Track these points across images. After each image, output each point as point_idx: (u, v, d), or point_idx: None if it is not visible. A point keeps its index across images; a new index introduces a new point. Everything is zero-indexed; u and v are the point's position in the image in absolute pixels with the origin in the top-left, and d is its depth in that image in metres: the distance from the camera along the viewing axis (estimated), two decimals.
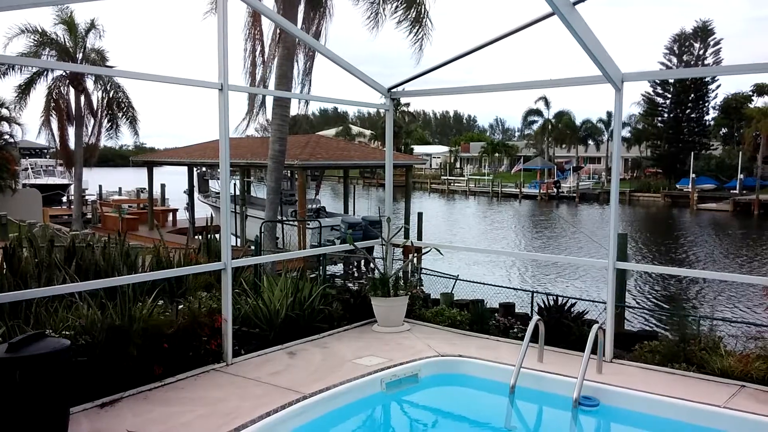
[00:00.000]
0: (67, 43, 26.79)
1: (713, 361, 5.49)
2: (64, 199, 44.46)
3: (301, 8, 15.59)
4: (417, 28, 14.08)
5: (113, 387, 4.91)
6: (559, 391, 5.26)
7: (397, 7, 14.17)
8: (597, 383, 5.26)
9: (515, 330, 6.84)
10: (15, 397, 3.82)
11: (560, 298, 6.93)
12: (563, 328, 6.48)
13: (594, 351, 5.41)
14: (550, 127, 75.43)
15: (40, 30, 25.91)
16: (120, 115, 28.63)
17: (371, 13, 14.25)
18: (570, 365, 5.64)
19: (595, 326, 5.38)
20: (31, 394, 3.85)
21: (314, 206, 23.86)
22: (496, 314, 7.44)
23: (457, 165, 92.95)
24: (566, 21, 4.83)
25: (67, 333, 4.91)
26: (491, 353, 6.11)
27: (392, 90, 7.47)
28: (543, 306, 6.90)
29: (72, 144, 28.64)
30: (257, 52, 16.45)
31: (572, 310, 6.76)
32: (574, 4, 4.92)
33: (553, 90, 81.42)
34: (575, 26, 4.94)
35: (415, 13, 14.14)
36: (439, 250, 7.48)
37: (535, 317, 5.79)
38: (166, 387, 5.16)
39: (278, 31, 15.43)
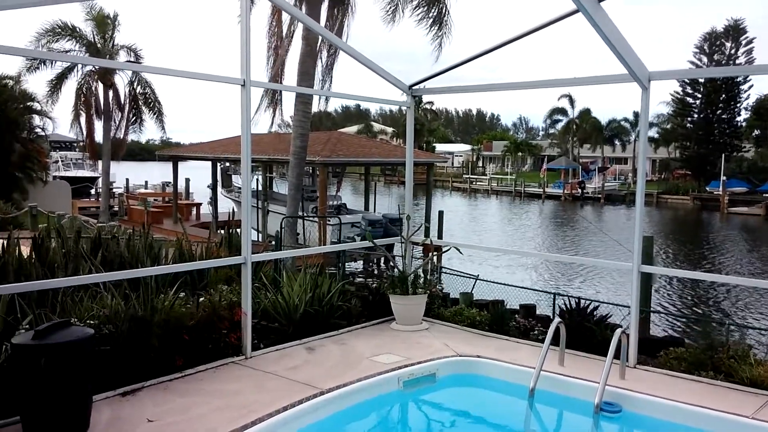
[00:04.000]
0: (96, 40, 27.25)
1: (742, 370, 5.35)
2: (93, 191, 45.25)
3: (325, 6, 15.63)
4: (438, 26, 14.02)
5: (135, 376, 4.98)
6: (581, 396, 5.18)
7: (418, 5, 14.13)
8: (620, 389, 5.17)
9: (536, 332, 6.76)
10: (40, 383, 3.90)
11: (583, 301, 6.83)
12: (585, 331, 6.38)
13: (617, 356, 5.32)
14: (574, 126, 74.53)
15: (70, 26, 26.40)
16: (146, 110, 29.08)
17: (390, 9, 14.22)
18: (592, 370, 5.55)
19: (618, 330, 5.29)
20: (55, 380, 3.93)
21: (335, 203, 23.92)
22: (516, 315, 7.37)
23: (480, 164, 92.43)
24: (591, 18, 4.74)
25: (91, 322, 4.99)
26: (511, 355, 6.05)
27: (413, 87, 7.43)
28: (565, 308, 6.81)
29: (100, 138, 29.17)
30: (279, 49, 16.53)
31: (595, 313, 6.65)
32: (600, 0, 4.83)
33: (578, 88, 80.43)
34: (600, 23, 4.85)
35: (436, 11, 14.09)
36: (458, 249, 7.43)
37: (556, 319, 5.71)
38: (186, 378, 5.21)
39: (302, 28, 15.46)
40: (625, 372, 5.53)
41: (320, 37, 14.74)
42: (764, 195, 49.99)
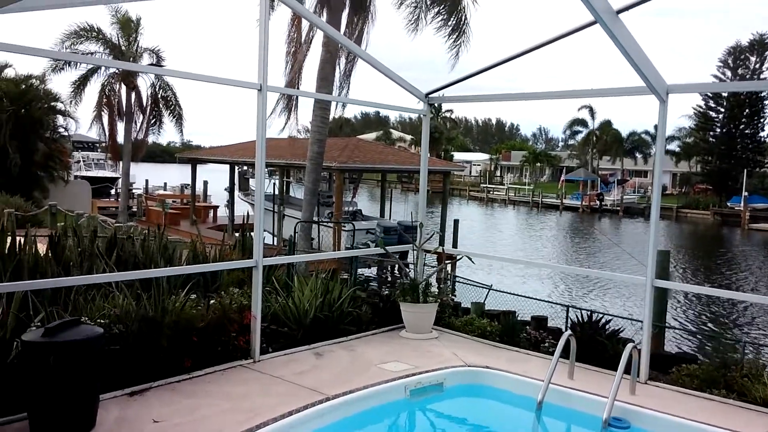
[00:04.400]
0: (120, 42, 27.71)
1: (755, 389, 5.25)
2: (113, 191, 45.85)
3: (345, 13, 15.74)
4: (456, 35, 14.05)
5: (143, 376, 5.01)
6: (589, 410, 5.12)
7: (438, 12, 14.18)
8: (629, 404, 5.09)
9: (546, 344, 6.69)
10: (48, 380, 3.95)
11: (594, 314, 6.76)
12: (597, 345, 6.31)
13: (628, 371, 5.24)
14: (594, 138, 73.97)
15: (96, 29, 26.88)
16: (167, 112, 29.45)
17: (413, 18, 14.28)
18: (602, 384, 5.48)
19: (630, 345, 5.21)
20: (64, 378, 3.97)
21: (351, 209, 23.97)
22: (527, 327, 7.31)
23: (498, 173, 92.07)
24: (609, 30, 4.72)
25: (102, 321, 5.04)
26: (520, 366, 6.00)
27: (430, 95, 7.44)
28: (576, 321, 6.74)
29: (121, 139, 29.61)
30: (297, 55, 16.66)
31: (607, 327, 6.58)
32: (618, 12, 4.80)
33: (599, 100, 79.87)
34: (618, 35, 4.82)
35: (455, 20, 14.12)
36: (470, 258, 7.41)
37: (567, 332, 5.65)
38: (193, 380, 5.24)
39: (322, 34, 15.57)
40: (636, 387, 5.45)
41: (339, 45, 14.84)
42: None
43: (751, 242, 42.04)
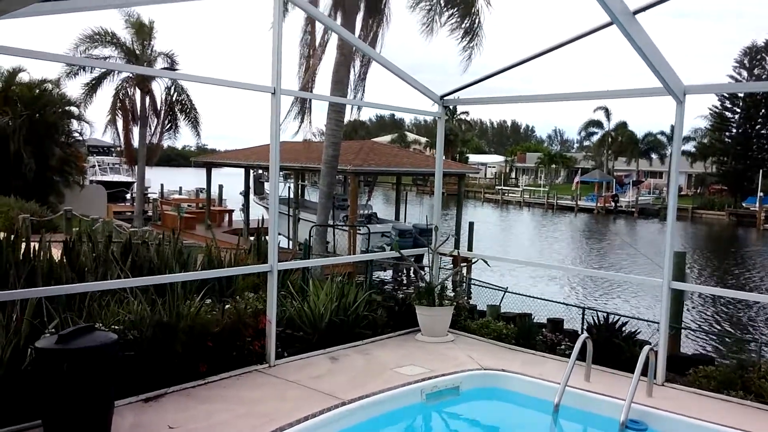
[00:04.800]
0: (134, 47, 27.97)
1: None
2: (128, 196, 46.24)
3: (360, 15, 15.76)
4: (470, 37, 14.01)
5: (158, 382, 5.03)
6: (606, 413, 5.06)
7: (451, 15, 14.15)
8: (646, 407, 5.03)
9: (563, 347, 6.63)
10: (62, 387, 3.96)
11: (611, 316, 6.68)
12: (613, 347, 6.24)
13: (645, 373, 5.18)
14: (609, 139, 73.36)
15: (110, 33, 27.16)
16: (183, 116, 29.66)
17: (427, 20, 14.26)
18: (618, 386, 5.42)
19: (646, 347, 5.15)
20: (78, 385, 3.97)
21: (366, 212, 23.97)
22: (543, 329, 7.25)
23: (513, 175, 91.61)
24: (625, 30, 4.67)
25: (116, 327, 5.06)
26: (536, 369, 5.94)
27: (445, 98, 7.42)
28: (593, 323, 6.67)
29: (136, 143, 29.87)
30: (311, 58, 16.70)
31: (623, 329, 6.51)
32: (635, 13, 4.75)
33: (614, 101, 79.27)
34: (635, 36, 4.77)
35: (468, 23, 14.08)
36: (486, 261, 7.36)
37: (583, 335, 5.60)
38: (209, 385, 5.25)
39: (337, 37, 15.59)
40: (653, 389, 5.38)
41: (353, 47, 14.86)
42: None
43: (766, 242, 41.45)
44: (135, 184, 35.50)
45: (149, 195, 39.91)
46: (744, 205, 53.87)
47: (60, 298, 5.32)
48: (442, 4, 14.28)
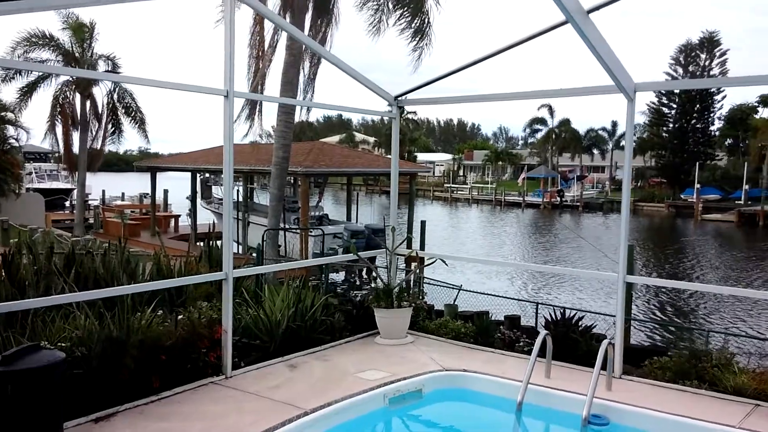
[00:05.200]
0: (74, 49, 26.81)
1: (726, 378, 5.34)
2: (67, 203, 44.42)
3: (309, 16, 15.56)
4: (419, 37, 14.04)
5: (109, 400, 4.78)
6: (568, 409, 5.11)
7: (401, 16, 14.13)
8: (607, 401, 5.11)
9: (521, 343, 6.69)
10: (6, 411, 3.70)
11: (567, 311, 6.78)
12: (571, 342, 6.33)
13: (603, 367, 5.26)
14: (554, 136, 75.30)
15: (48, 35, 25.94)
16: (128, 120, 28.61)
17: (374, 20, 14.20)
18: (578, 381, 5.49)
19: (605, 341, 5.24)
20: (23, 408, 3.73)
21: (317, 213, 23.74)
22: (501, 327, 7.30)
23: (461, 173, 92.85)
24: (580, 29, 4.72)
25: (63, 344, 4.78)
26: (497, 368, 5.96)
27: (399, 98, 7.37)
28: (550, 319, 6.76)
29: (76, 149, 28.64)
30: (261, 60, 16.39)
31: (579, 323, 6.61)
32: (589, 12, 4.81)
33: (557, 99, 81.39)
34: (589, 35, 4.83)
35: (418, 22, 14.10)
36: (444, 261, 7.36)
37: (543, 332, 5.65)
38: (163, 401, 5.02)
39: (285, 38, 15.34)
40: (612, 383, 5.47)
41: (303, 48, 14.65)
42: (737, 202, 50.99)
43: (704, 232, 43.45)
44: (75, 191, 34.08)
45: (90, 202, 38.40)
46: (682, 197, 56.32)
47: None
48: (391, 6, 14.25)
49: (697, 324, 16.00)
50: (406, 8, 14.24)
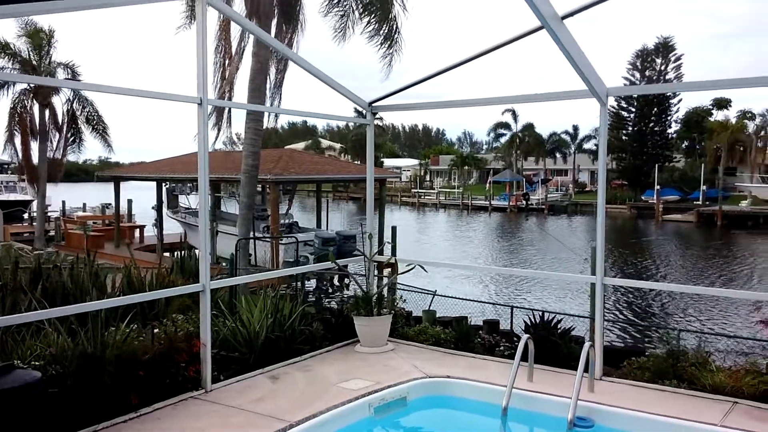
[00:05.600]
0: (31, 57, 26.03)
1: (704, 377, 5.45)
2: (26, 216, 43.02)
3: (275, 22, 15.45)
4: (389, 43, 14.08)
5: (86, 419, 4.60)
6: (553, 412, 5.14)
7: (369, 22, 14.15)
8: (590, 402, 5.16)
9: (501, 348, 6.71)
10: None
11: (546, 314, 6.84)
12: (550, 345, 6.37)
13: (585, 369, 5.31)
14: (518, 140, 76.39)
15: (3, 42, 25.14)
16: (89, 129, 27.88)
17: (340, 26, 14.19)
18: (560, 384, 5.54)
19: (587, 344, 5.29)
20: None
21: (287, 221, 23.51)
22: (480, 332, 7.31)
23: (427, 178, 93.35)
24: (555, 35, 4.77)
25: (36, 363, 4.60)
26: (480, 373, 5.97)
27: (373, 104, 7.35)
28: (529, 323, 6.80)
29: (36, 159, 27.80)
30: (228, 66, 16.20)
31: (558, 326, 6.67)
32: (563, 18, 4.87)
33: (521, 104, 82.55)
34: (563, 41, 4.88)
35: (387, 28, 14.14)
36: (423, 267, 7.34)
37: (525, 336, 5.67)
38: (142, 418, 4.87)
39: (252, 45, 15.20)
40: (594, 384, 5.53)
41: (270, 55, 14.53)
42: (695, 203, 52.54)
43: (665, 232, 44.64)
44: (34, 202, 33.01)
45: (50, 213, 37.26)
46: (643, 198, 57.77)
47: None
48: (357, 14, 14.25)
49: (665, 323, 16.37)
50: (373, 15, 14.27)
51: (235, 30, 15.81)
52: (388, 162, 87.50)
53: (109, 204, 33.62)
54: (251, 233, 16.38)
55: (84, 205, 44.79)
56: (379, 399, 5.37)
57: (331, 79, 6.69)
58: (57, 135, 27.84)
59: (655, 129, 63.22)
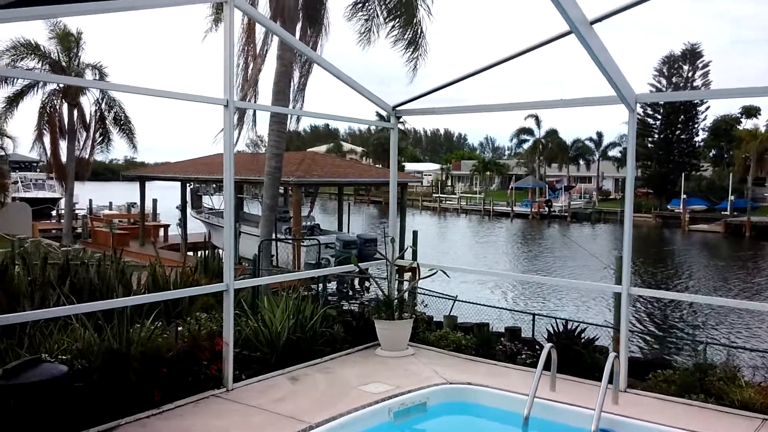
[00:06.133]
0: (61, 58, 26.57)
1: (732, 392, 5.32)
2: (54, 213, 43.89)
3: (299, 26, 15.55)
4: (413, 48, 14.08)
5: (110, 414, 4.67)
6: (575, 423, 5.07)
7: (393, 27, 14.17)
8: (614, 415, 5.07)
9: (523, 356, 6.65)
10: (8, 426, 3.59)
11: (570, 323, 6.76)
12: (573, 354, 6.29)
13: (609, 380, 5.23)
14: (541, 146, 75.78)
15: (33, 44, 25.69)
16: (116, 129, 28.37)
17: (364, 30, 14.23)
18: (583, 395, 5.46)
19: (612, 354, 5.20)
20: (26, 423, 3.63)
21: (309, 223, 23.64)
22: (502, 339, 7.26)
23: (449, 183, 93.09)
24: (584, 41, 4.72)
25: (63, 357, 4.67)
26: (501, 380, 5.91)
27: (397, 108, 7.35)
28: (552, 331, 6.73)
29: (65, 158, 28.37)
30: (251, 68, 16.32)
31: (582, 335, 6.59)
32: (592, 23, 4.82)
33: (545, 110, 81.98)
34: (593, 46, 4.84)
35: (411, 33, 14.14)
36: (445, 273, 7.31)
37: (548, 344, 5.60)
38: (164, 414, 4.92)
39: (276, 47, 15.30)
40: (618, 396, 5.44)
41: (294, 57, 14.62)
42: (723, 213, 51.54)
43: (692, 242, 43.85)
44: (62, 200, 33.65)
45: (77, 211, 37.96)
46: (669, 207, 56.84)
47: None
48: (382, 18, 14.27)
49: (688, 334, 16.07)
50: (397, 19, 14.28)
51: (258, 32, 15.94)
52: (410, 166, 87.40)
53: (135, 203, 34.14)
54: (273, 234, 16.48)
55: (110, 203, 45.58)
56: (399, 404, 5.35)
57: (356, 82, 6.71)
58: (84, 134, 28.37)
59: (682, 137, 62.19)
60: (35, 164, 47.93)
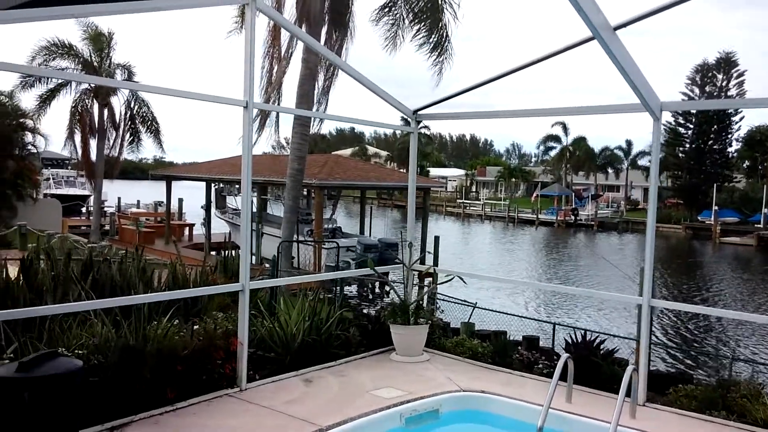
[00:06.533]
0: (92, 59, 27.18)
1: (756, 410, 5.16)
2: (84, 210, 44.80)
3: (324, 29, 15.65)
4: (438, 52, 14.06)
5: (124, 410, 4.72)
6: None
7: (418, 30, 14.17)
8: (630, 429, 4.96)
9: (540, 365, 6.55)
10: (22, 418, 3.65)
11: (589, 334, 6.64)
12: (591, 366, 6.18)
13: (627, 393, 5.11)
14: (568, 153, 74.97)
15: (67, 44, 26.32)
16: (144, 129, 28.94)
17: (390, 34, 14.26)
18: (600, 407, 5.35)
19: (630, 367, 5.08)
20: (40, 416, 3.68)
21: (330, 226, 23.72)
22: (519, 347, 7.16)
23: (473, 189, 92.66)
24: (607, 47, 4.65)
25: (79, 352, 4.74)
26: (516, 390, 5.83)
27: (418, 112, 7.33)
28: (570, 342, 6.61)
29: (94, 156, 29.01)
30: (275, 71, 16.46)
31: (601, 347, 6.46)
32: (615, 29, 4.74)
33: (572, 117, 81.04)
34: (616, 52, 4.75)
35: (436, 37, 14.13)
36: (462, 279, 7.25)
37: (565, 354, 5.51)
38: (178, 411, 4.96)
39: (301, 50, 15.42)
40: (636, 410, 5.32)
41: (319, 61, 14.71)
42: (756, 225, 50.24)
43: (723, 255, 42.81)
44: (91, 197, 34.35)
45: (106, 209, 38.71)
46: (699, 218, 55.62)
47: (17, 321, 4.97)
48: (407, 21, 14.28)
49: (713, 349, 15.69)
50: (423, 23, 14.27)
51: (284, 35, 16.09)
52: (434, 171, 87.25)
53: (162, 202, 34.66)
54: (294, 236, 16.57)
55: (138, 201, 46.38)
56: (411, 409, 5.30)
57: (376, 86, 6.70)
58: (114, 134, 28.97)
59: (714, 147, 60.83)
60: (66, 161, 48.99)
